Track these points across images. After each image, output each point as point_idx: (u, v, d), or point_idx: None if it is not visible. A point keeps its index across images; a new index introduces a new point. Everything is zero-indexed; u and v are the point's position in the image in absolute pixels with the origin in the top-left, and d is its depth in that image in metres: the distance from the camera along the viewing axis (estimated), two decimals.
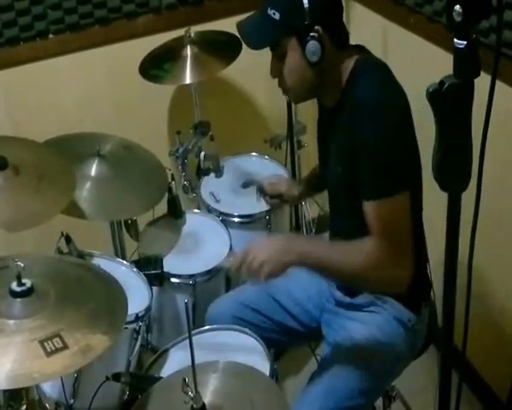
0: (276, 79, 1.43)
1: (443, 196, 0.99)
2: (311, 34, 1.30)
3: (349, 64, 1.37)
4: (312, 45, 1.31)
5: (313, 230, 2.54)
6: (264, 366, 1.52)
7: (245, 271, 1.37)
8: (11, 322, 1.19)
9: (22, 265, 1.22)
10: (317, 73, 1.35)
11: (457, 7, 0.78)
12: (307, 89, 1.41)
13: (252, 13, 1.40)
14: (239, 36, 1.39)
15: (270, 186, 1.91)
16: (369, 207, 1.33)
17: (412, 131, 1.36)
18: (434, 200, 1.39)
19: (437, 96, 0.86)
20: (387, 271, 1.32)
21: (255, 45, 1.36)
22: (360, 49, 1.43)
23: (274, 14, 1.31)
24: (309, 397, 1.45)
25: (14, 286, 1.23)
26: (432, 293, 1.56)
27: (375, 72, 1.37)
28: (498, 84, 0.90)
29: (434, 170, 0.96)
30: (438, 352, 1.23)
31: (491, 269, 1.94)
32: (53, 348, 1.15)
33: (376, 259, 1.32)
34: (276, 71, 1.40)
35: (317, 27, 1.30)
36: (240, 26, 1.39)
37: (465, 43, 0.81)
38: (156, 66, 2.12)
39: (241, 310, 1.68)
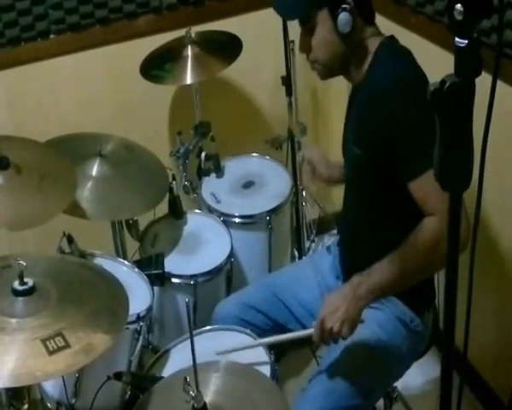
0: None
1: None
2: (343, 6, 1.33)
3: (375, 43, 1.40)
4: (344, 16, 1.33)
5: (314, 231, 2.54)
6: (265, 367, 1.52)
7: (328, 339, 1.38)
8: (13, 321, 1.19)
9: (24, 264, 1.22)
10: (347, 45, 1.38)
11: (458, 6, 0.78)
12: (337, 61, 1.42)
13: None
14: (272, 7, 1.39)
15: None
16: (418, 185, 1.31)
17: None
18: None
19: (438, 96, 0.86)
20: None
21: (288, 15, 1.40)
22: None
23: None
24: (310, 397, 1.46)
25: (17, 285, 1.23)
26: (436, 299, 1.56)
27: (399, 56, 1.39)
28: (499, 84, 0.90)
29: (435, 169, 0.96)
30: (439, 353, 1.23)
31: (493, 270, 1.94)
32: (55, 347, 1.15)
33: (439, 234, 1.28)
34: (306, 45, 1.41)
35: None
36: None
37: (466, 42, 0.81)
38: (157, 66, 2.12)
39: (245, 311, 1.68)
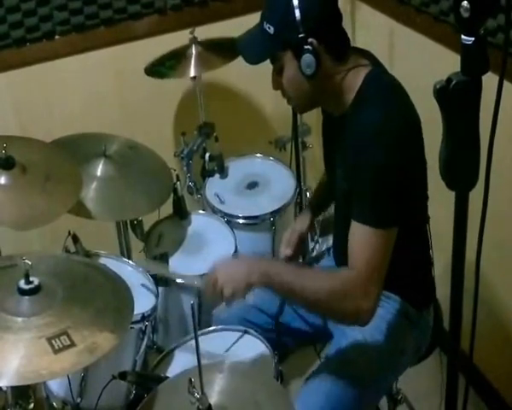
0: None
1: (450, 195, 0.99)
2: (305, 47, 1.29)
3: (356, 81, 1.35)
4: (307, 58, 1.29)
5: (317, 232, 2.54)
6: (269, 368, 1.52)
7: (211, 292, 1.38)
8: (19, 319, 1.20)
9: (30, 263, 1.22)
10: (315, 85, 1.34)
11: (465, 3, 0.78)
12: (307, 100, 1.41)
13: (251, 27, 1.39)
14: (238, 52, 1.39)
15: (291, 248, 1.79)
16: (353, 229, 1.32)
17: (418, 152, 1.35)
18: (441, 199, 1.39)
19: (444, 94, 0.86)
20: (357, 301, 1.30)
21: (252, 60, 1.36)
22: (367, 56, 1.40)
23: (269, 28, 1.31)
24: (313, 389, 1.46)
25: (22, 284, 1.23)
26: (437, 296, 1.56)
27: (383, 94, 1.35)
28: (506, 83, 0.90)
29: (441, 169, 0.95)
30: (444, 355, 1.23)
31: (499, 272, 1.93)
32: (60, 346, 1.15)
33: (349, 289, 1.30)
34: (277, 83, 1.40)
35: (310, 40, 1.28)
36: (238, 41, 1.40)
37: (473, 39, 0.81)
38: (160, 63, 2.13)
39: (248, 311, 1.68)
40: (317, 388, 1.46)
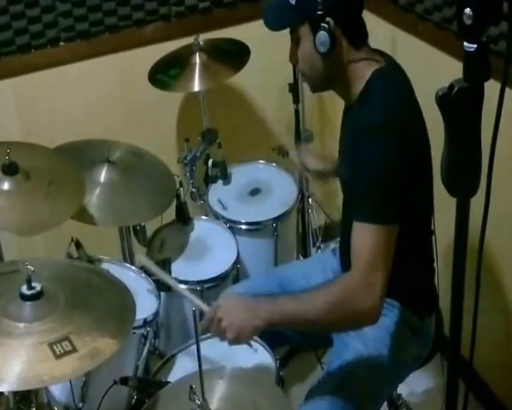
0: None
1: (451, 202, 0.99)
2: (322, 25, 1.32)
3: (366, 73, 1.37)
4: (322, 36, 1.32)
5: (319, 238, 2.54)
6: (270, 373, 1.52)
7: (212, 330, 1.37)
8: (21, 325, 1.20)
9: (32, 268, 1.23)
10: (327, 65, 1.37)
11: (467, 10, 0.78)
12: (319, 79, 1.42)
13: None
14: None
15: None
16: (356, 228, 1.32)
17: (419, 153, 1.35)
18: (442, 205, 1.39)
19: (446, 100, 0.86)
20: (360, 302, 1.29)
21: (271, 26, 1.39)
22: (384, 56, 1.42)
23: None
24: (315, 401, 1.45)
25: (25, 289, 1.24)
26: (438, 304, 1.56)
27: (387, 92, 1.35)
28: (508, 91, 0.90)
29: (443, 175, 0.95)
30: (444, 361, 1.22)
31: (500, 277, 1.93)
32: (62, 351, 1.16)
33: (351, 292, 1.29)
34: (293, 56, 1.42)
35: (328, 19, 1.31)
36: (264, 6, 1.42)
37: (475, 46, 0.81)
38: (163, 72, 2.13)
39: None
40: (318, 402, 1.44)
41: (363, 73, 1.37)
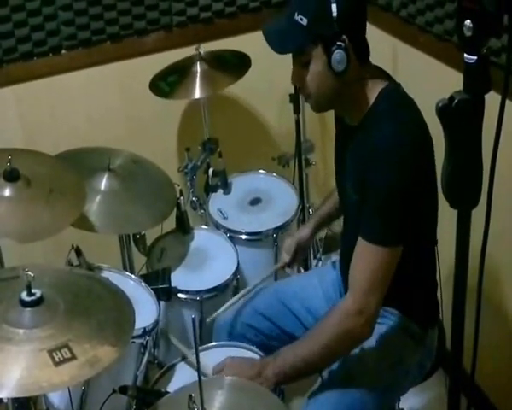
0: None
1: (452, 213, 0.99)
2: (338, 43, 1.29)
3: (373, 91, 1.36)
4: (339, 54, 1.29)
5: (320, 249, 2.54)
6: None
7: None
8: (21, 331, 1.19)
9: (32, 275, 1.22)
10: (340, 83, 1.34)
11: (468, 22, 0.79)
12: (329, 98, 1.39)
13: (277, 17, 1.38)
14: (264, 39, 1.36)
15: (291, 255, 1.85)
16: (362, 246, 1.33)
17: (429, 172, 1.35)
18: (443, 217, 1.39)
19: (447, 112, 0.87)
20: (357, 328, 1.35)
21: (280, 49, 1.34)
22: (383, 72, 1.42)
23: (301, 19, 1.29)
24: (317, 404, 1.45)
25: (24, 296, 1.23)
26: (441, 316, 1.56)
27: (396, 111, 1.35)
28: (508, 103, 0.91)
29: (444, 187, 0.96)
30: (446, 375, 1.22)
31: (502, 291, 1.93)
32: (61, 358, 1.15)
33: (349, 320, 1.35)
34: (298, 78, 1.39)
35: (344, 37, 1.29)
36: (265, 29, 1.37)
37: (475, 58, 0.82)
38: (161, 78, 2.14)
39: (252, 316, 1.67)
40: (319, 408, 1.45)
41: (369, 91, 1.36)
